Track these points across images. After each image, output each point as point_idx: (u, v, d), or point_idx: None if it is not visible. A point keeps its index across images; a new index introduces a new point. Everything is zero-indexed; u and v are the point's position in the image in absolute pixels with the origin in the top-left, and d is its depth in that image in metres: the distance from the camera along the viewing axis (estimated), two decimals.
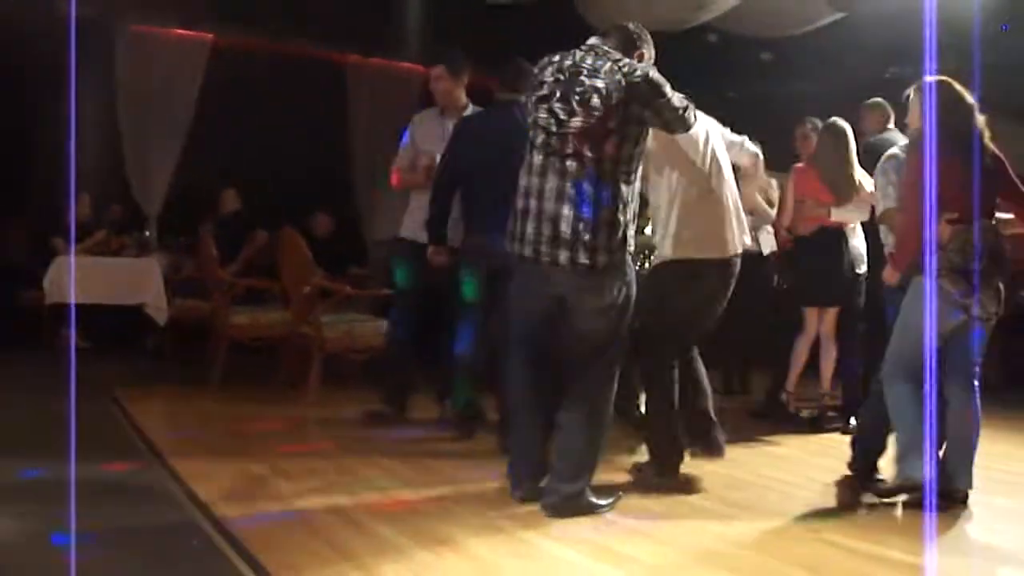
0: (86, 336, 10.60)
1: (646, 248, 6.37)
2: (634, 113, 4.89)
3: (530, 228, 5.03)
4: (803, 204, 7.73)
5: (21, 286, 10.63)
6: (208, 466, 5.77)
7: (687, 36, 10.26)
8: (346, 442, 6.64)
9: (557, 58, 5.03)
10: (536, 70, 5.10)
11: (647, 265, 6.33)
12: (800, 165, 7.92)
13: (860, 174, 7.49)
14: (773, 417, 8.07)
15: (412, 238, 7.36)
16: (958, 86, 5.66)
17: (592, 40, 5.17)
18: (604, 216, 4.91)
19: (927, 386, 5.45)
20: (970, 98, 5.63)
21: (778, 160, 7.99)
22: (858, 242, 7.68)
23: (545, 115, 4.90)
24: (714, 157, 5.76)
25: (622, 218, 4.96)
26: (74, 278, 9.45)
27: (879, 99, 7.82)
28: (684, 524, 5.08)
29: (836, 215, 7.56)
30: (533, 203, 5.03)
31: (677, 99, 5.03)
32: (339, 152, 7.92)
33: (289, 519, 4.91)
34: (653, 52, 5.41)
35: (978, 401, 5.62)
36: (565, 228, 4.91)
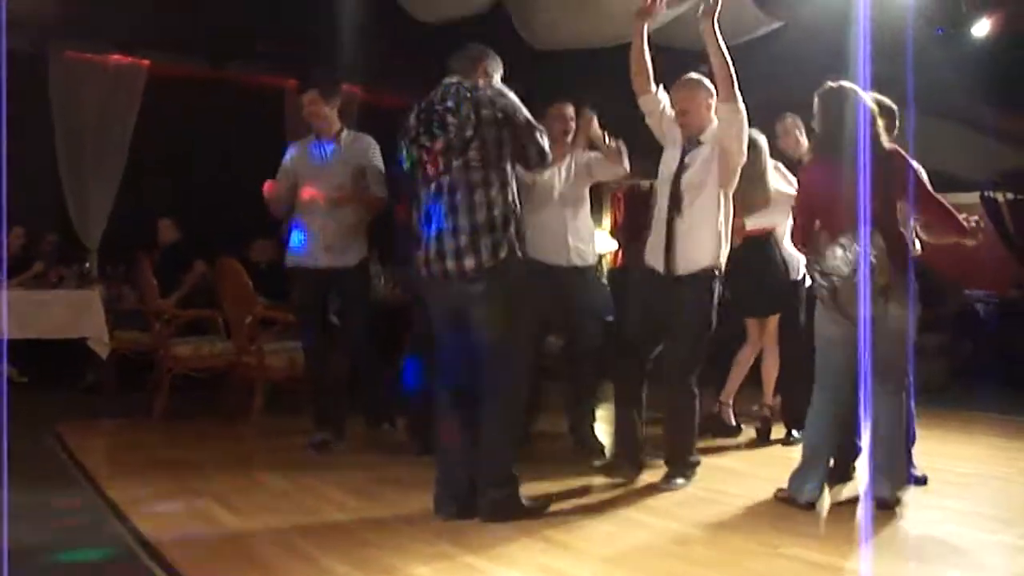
0: (24, 371, 10.42)
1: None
2: (487, 117, 5.24)
3: (424, 251, 5.35)
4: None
5: None
6: (152, 500, 5.73)
7: (624, 51, 10.24)
8: (289, 471, 6.57)
9: (416, 105, 5.47)
10: (406, 120, 5.49)
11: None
12: None
13: (776, 183, 7.49)
14: (714, 432, 8.00)
15: (307, 264, 7.40)
16: (854, 91, 5.71)
17: (445, 79, 5.52)
18: (483, 220, 5.22)
19: (861, 393, 5.53)
20: (867, 102, 5.67)
21: None
22: (790, 250, 7.64)
23: (416, 151, 5.36)
24: None
25: (501, 219, 5.24)
26: (6, 313, 9.26)
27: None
28: (636, 543, 5.05)
29: (751, 223, 7.54)
30: (425, 229, 5.36)
31: (530, 121, 5.41)
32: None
33: (232, 550, 4.87)
34: (498, 67, 5.73)
35: (903, 407, 5.71)
36: (449, 240, 5.23)
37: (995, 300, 12.94)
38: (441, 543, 4.94)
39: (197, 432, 8.07)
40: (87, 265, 11.41)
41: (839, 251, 5.51)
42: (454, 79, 5.45)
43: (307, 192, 7.35)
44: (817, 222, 5.79)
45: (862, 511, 5.63)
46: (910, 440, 6.20)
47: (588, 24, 9.57)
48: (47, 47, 11.67)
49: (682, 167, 6.28)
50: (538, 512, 5.38)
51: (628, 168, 7.18)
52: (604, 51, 10.16)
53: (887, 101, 6.14)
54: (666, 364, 6.33)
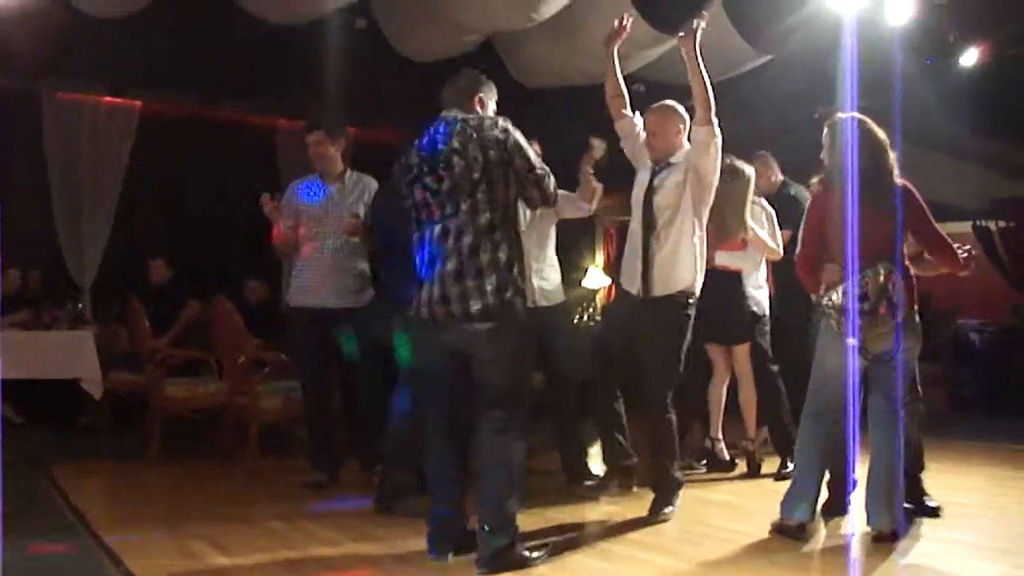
0: (19, 411, 10.40)
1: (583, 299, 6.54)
2: (493, 158, 5.12)
3: (426, 293, 5.21)
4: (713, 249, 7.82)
5: None
6: (145, 542, 5.71)
7: None
8: (285, 513, 6.52)
9: (416, 141, 5.34)
10: (404, 157, 5.38)
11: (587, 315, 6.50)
12: None
13: (751, 221, 7.51)
14: (707, 466, 8.02)
15: (309, 304, 7.38)
16: (865, 122, 5.74)
17: (442, 112, 5.40)
18: (488, 262, 5.10)
19: (849, 423, 5.60)
20: (880, 136, 5.70)
21: None
22: (754, 289, 7.75)
23: (420, 192, 5.23)
24: None
25: (506, 261, 5.14)
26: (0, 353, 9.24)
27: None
28: None
29: (720, 259, 7.53)
30: (427, 271, 5.24)
31: (534, 160, 5.29)
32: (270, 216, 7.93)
33: None
34: (493, 94, 5.63)
35: (899, 438, 5.68)
36: (453, 284, 5.10)
37: (990, 328, 12.94)
38: None
39: (191, 472, 8.05)
40: (80, 306, 11.38)
41: (858, 285, 5.53)
42: (453, 113, 5.35)
43: (310, 232, 7.33)
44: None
45: (859, 544, 5.62)
46: (914, 469, 6.25)
47: (574, 62, 9.62)
48: (40, 88, 11.70)
49: (651, 189, 6.40)
50: (538, 562, 5.24)
51: (592, 208, 7.22)
52: (592, 88, 10.22)
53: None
54: (644, 387, 6.40)
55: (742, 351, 7.83)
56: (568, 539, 5.82)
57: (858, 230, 5.54)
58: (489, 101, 5.55)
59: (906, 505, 5.87)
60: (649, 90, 11.24)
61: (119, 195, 12.21)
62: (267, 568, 5.19)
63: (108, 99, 12.30)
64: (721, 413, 8.07)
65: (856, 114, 5.79)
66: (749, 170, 7.53)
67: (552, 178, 5.37)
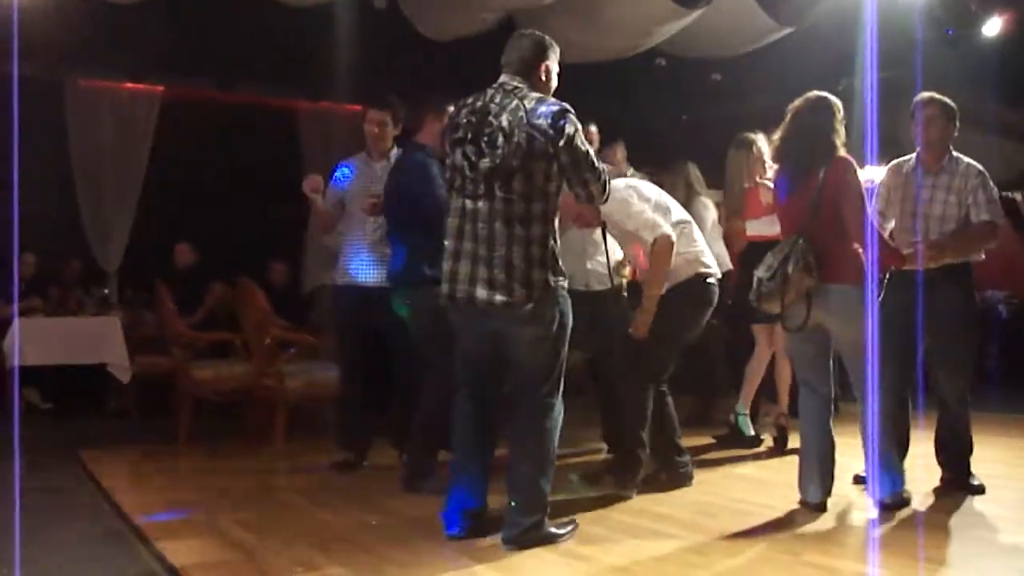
0: (48, 397, 10.47)
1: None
2: (538, 150, 4.94)
3: (461, 269, 5.12)
4: (730, 222, 7.80)
5: None
6: (174, 524, 5.72)
7: (637, 62, 10.26)
8: (311, 492, 6.57)
9: (471, 100, 5.16)
10: (453, 112, 5.26)
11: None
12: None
13: (768, 185, 7.51)
14: (735, 440, 8.01)
15: (350, 282, 7.37)
16: (822, 99, 5.87)
17: (502, 76, 5.23)
18: (525, 252, 4.99)
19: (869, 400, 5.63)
20: (832, 111, 5.82)
21: None
22: None
23: (460, 158, 5.08)
24: None
25: (542, 252, 5.03)
26: (19, 339, 9.30)
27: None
28: (656, 554, 5.02)
29: (751, 229, 7.56)
30: (458, 244, 5.14)
31: (589, 159, 5.12)
32: (294, 198, 7.90)
33: (254, 571, 4.86)
34: (556, 56, 5.39)
35: (878, 411, 5.70)
36: (490, 268, 5.01)
37: (1015, 301, 12.88)
38: (463, 559, 4.92)
39: (219, 455, 8.07)
40: (106, 291, 11.45)
41: (769, 258, 5.74)
42: (515, 82, 5.16)
43: (358, 209, 7.30)
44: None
45: (883, 517, 5.64)
46: (964, 449, 6.38)
47: (595, 38, 9.59)
48: (62, 75, 11.74)
49: None
50: (566, 538, 5.24)
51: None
52: (613, 65, 10.21)
53: (948, 103, 6.21)
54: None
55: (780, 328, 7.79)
56: (592, 514, 5.83)
57: (785, 206, 5.93)
58: (554, 67, 5.35)
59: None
60: (670, 63, 11.28)
61: (143, 180, 12.26)
62: (296, 547, 5.20)
63: (130, 85, 12.35)
64: (754, 389, 8.06)
65: (822, 93, 5.90)
66: (754, 138, 7.59)
67: (605, 176, 5.20)
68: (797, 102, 5.90)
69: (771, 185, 7.54)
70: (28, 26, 8.10)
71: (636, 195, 6.28)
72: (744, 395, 8.04)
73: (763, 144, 7.68)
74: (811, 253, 5.56)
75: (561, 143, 4.95)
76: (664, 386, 6.52)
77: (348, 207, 7.38)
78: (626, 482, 6.29)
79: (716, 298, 6.47)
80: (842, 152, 5.70)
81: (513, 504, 5.14)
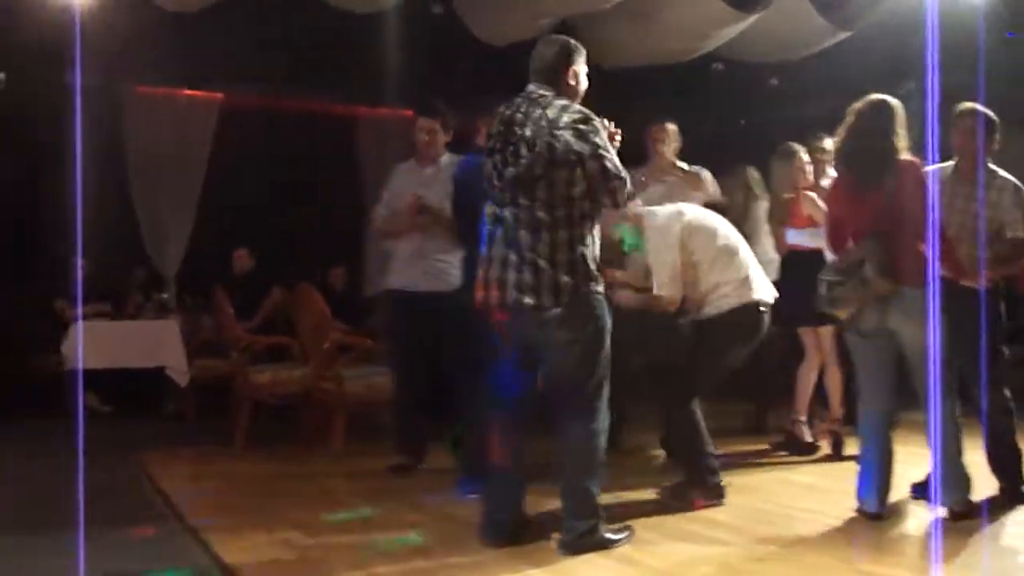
0: (106, 400, 10.57)
1: None
2: (560, 157, 4.98)
3: (492, 275, 5.17)
4: (774, 228, 7.76)
5: (32, 353, 10.53)
6: (232, 527, 5.73)
7: (693, 66, 10.23)
8: (369, 496, 6.58)
9: (502, 109, 5.24)
10: (496, 119, 5.28)
11: None
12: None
13: (811, 197, 7.53)
14: (790, 447, 7.96)
15: (402, 287, 7.40)
16: (884, 102, 5.79)
17: (529, 85, 5.28)
18: (550, 257, 5.01)
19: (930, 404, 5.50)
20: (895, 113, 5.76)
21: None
22: None
23: (490, 168, 5.17)
24: None
25: (569, 256, 5.04)
26: (82, 343, 9.39)
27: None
28: (711, 561, 5.01)
29: (792, 238, 7.53)
30: (490, 251, 5.20)
31: (613, 166, 5.11)
32: (352, 204, 7.94)
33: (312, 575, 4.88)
34: (583, 59, 5.43)
35: (947, 418, 5.62)
36: (519, 272, 5.04)
37: None
38: (520, 564, 4.93)
39: (276, 458, 8.11)
40: (165, 296, 11.54)
41: (838, 262, 5.69)
42: (541, 90, 5.20)
43: (412, 206, 7.31)
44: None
45: (942, 527, 5.57)
46: (1013, 458, 6.26)
47: (653, 42, 9.57)
48: (121, 83, 11.84)
49: None
50: (621, 544, 5.23)
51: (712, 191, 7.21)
52: (669, 68, 10.19)
53: (990, 115, 6.14)
54: None
55: (827, 332, 7.73)
56: (648, 520, 5.82)
57: (856, 209, 5.73)
58: (582, 70, 5.38)
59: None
60: (727, 67, 11.24)
61: (201, 186, 12.35)
62: (354, 551, 5.23)
63: (188, 92, 12.44)
64: (808, 395, 7.99)
65: (874, 96, 5.83)
66: (797, 148, 7.65)
67: (627, 183, 5.18)
68: (858, 104, 5.85)
69: (814, 196, 7.53)
70: (87, 34, 8.19)
71: (678, 246, 6.18)
72: (798, 402, 7.97)
73: (805, 154, 7.68)
74: (886, 256, 5.50)
75: (584, 152, 4.99)
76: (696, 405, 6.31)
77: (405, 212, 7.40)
78: (712, 494, 6.17)
79: (765, 325, 6.35)
80: (907, 155, 5.66)
81: (565, 511, 5.15)
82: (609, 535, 5.20)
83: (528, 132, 5.03)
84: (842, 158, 5.95)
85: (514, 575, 4.80)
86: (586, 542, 5.09)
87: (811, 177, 7.80)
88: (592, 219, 5.17)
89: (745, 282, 6.21)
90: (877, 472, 5.78)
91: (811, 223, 7.51)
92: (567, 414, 5.18)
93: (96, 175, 10.46)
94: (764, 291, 6.31)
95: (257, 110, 12.41)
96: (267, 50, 10.98)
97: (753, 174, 8.61)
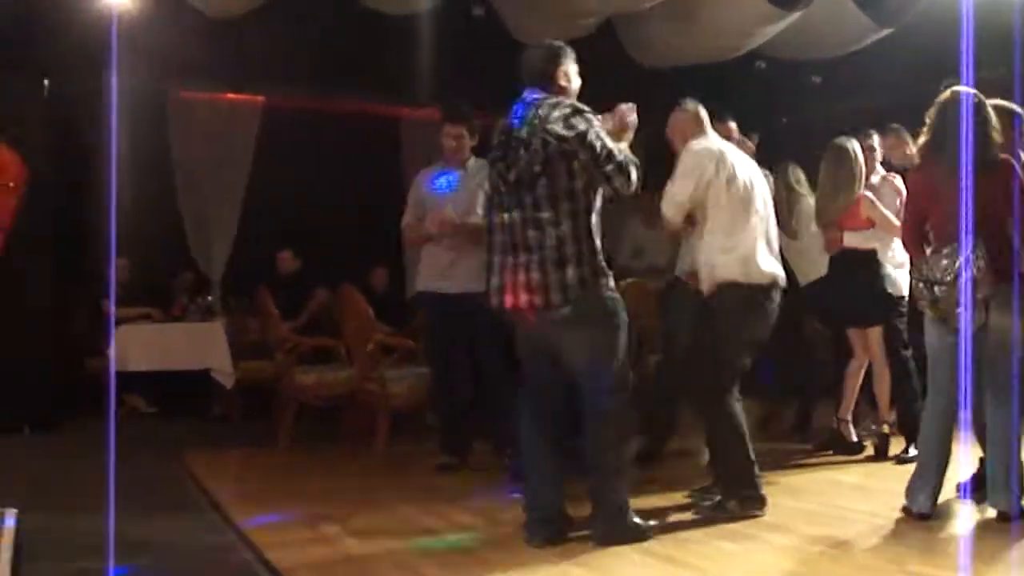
0: (152, 402, 10.65)
1: None
2: (554, 151, 5.06)
3: (499, 279, 5.26)
4: (826, 228, 7.65)
5: (88, 352, 10.61)
6: (278, 527, 5.80)
7: (736, 65, 10.20)
8: (414, 496, 6.61)
9: (504, 120, 5.35)
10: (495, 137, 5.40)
11: None
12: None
13: (880, 207, 7.43)
14: (834, 448, 7.92)
15: (433, 289, 7.47)
16: (969, 96, 5.65)
17: (524, 92, 5.37)
18: (554, 258, 5.07)
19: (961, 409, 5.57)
20: (984, 107, 5.65)
21: None
22: (892, 268, 7.51)
23: (495, 176, 5.29)
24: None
25: (576, 248, 5.09)
26: (117, 344, 9.46)
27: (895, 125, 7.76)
28: (757, 561, 5.02)
29: (848, 239, 7.47)
30: (497, 257, 5.28)
31: (608, 153, 5.14)
32: (395, 205, 7.99)
33: (356, 574, 4.98)
34: (573, 61, 5.50)
35: (1013, 417, 5.56)
36: (522, 274, 5.12)
37: None
38: (565, 564, 4.94)
39: (321, 459, 8.16)
40: (210, 298, 11.60)
41: (943, 261, 5.50)
42: (534, 96, 5.29)
43: (432, 219, 7.41)
44: (927, 228, 5.76)
45: (989, 528, 5.56)
46: None
47: (694, 40, 9.56)
48: (165, 87, 11.91)
49: None
50: (650, 530, 5.31)
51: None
52: (709, 67, 10.16)
53: (1013, 107, 6.06)
54: None
55: (875, 333, 7.69)
56: (695, 519, 5.83)
57: (953, 205, 5.47)
58: (572, 70, 5.47)
59: None
60: (769, 65, 11.20)
61: (245, 189, 12.40)
62: (399, 552, 5.25)
63: (231, 95, 12.49)
64: (855, 395, 7.94)
65: (967, 88, 5.68)
66: (846, 145, 7.47)
67: (632, 167, 5.20)
68: (943, 98, 5.76)
69: (872, 196, 7.48)
70: (130, 38, 8.25)
71: (699, 173, 5.98)
72: (845, 402, 7.92)
73: (860, 150, 7.60)
74: (991, 254, 5.44)
75: (577, 141, 5.07)
76: (733, 406, 6.03)
77: (431, 216, 7.49)
78: (751, 507, 5.93)
79: (769, 302, 6.06)
80: (1003, 153, 5.61)
81: (596, 508, 5.24)
82: (638, 521, 5.31)
83: (524, 134, 5.15)
84: (932, 152, 5.79)
85: (556, 570, 4.82)
86: (618, 532, 5.20)
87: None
88: (595, 211, 5.24)
89: (747, 256, 5.99)
90: (934, 472, 5.76)
91: (868, 224, 7.45)
92: (588, 412, 5.22)
93: (142, 179, 10.63)
94: (767, 266, 6.05)
95: (300, 112, 12.43)
96: (309, 52, 11.02)
97: (795, 172, 8.57)
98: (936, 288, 5.54)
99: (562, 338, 5.18)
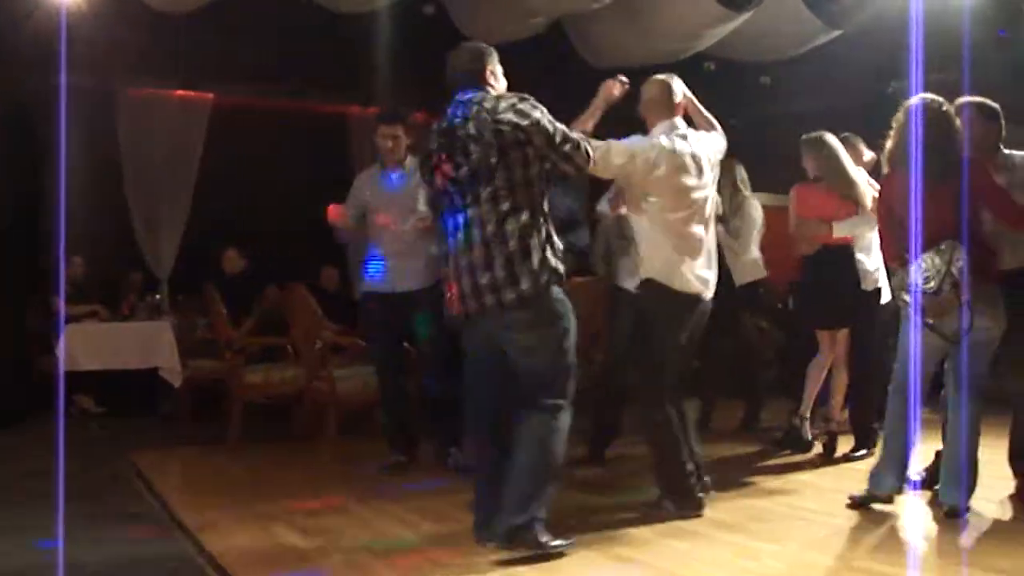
0: (101, 402, 10.57)
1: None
2: (509, 139, 4.99)
3: (456, 285, 5.16)
4: (805, 224, 7.60)
5: (39, 352, 10.52)
6: (227, 526, 5.75)
7: (685, 65, 10.24)
8: (362, 494, 6.59)
9: (435, 126, 5.28)
10: (428, 145, 5.33)
11: None
12: (800, 184, 7.70)
13: (864, 186, 7.39)
14: (790, 446, 7.95)
15: (378, 289, 7.45)
16: (935, 102, 5.73)
17: (455, 94, 5.29)
18: (517, 249, 5.00)
19: (910, 401, 5.67)
20: (947, 113, 5.73)
21: (785, 183, 7.90)
22: (866, 258, 7.48)
23: (440, 179, 5.17)
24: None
25: (537, 245, 5.03)
26: (67, 344, 9.39)
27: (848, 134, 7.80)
28: (707, 559, 5.04)
29: (838, 230, 7.44)
30: (454, 255, 5.17)
31: (562, 132, 5.13)
32: (344, 203, 7.96)
33: (305, 573, 4.92)
34: (496, 59, 5.43)
35: (977, 418, 5.68)
36: (484, 274, 5.02)
37: None
38: (514, 564, 4.92)
39: (270, 458, 8.12)
40: (158, 296, 11.53)
41: (923, 265, 5.52)
42: (469, 95, 5.20)
43: (380, 220, 7.39)
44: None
45: (935, 522, 5.66)
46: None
47: (644, 42, 9.60)
48: (112, 85, 11.83)
49: None
50: (557, 551, 5.04)
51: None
52: (662, 69, 10.20)
53: (987, 104, 6.12)
54: None
55: (843, 335, 7.70)
56: (643, 515, 5.85)
57: (922, 210, 5.52)
58: (498, 70, 5.42)
59: None
60: (718, 66, 11.26)
61: (194, 187, 12.34)
62: (349, 550, 5.25)
63: (180, 93, 12.42)
64: (815, 393, 7.90)
65: (926, 95, 5.75)
66: (828, 138, 7.46)
67: (585, 144, 5.20)
68: (912, 102, 5.78)
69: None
70: (78, 37, 8.20)
71: (647, 153, 5.81)
72: (806, 399, 7.91)
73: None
74: (971, 257, 5.48)
75: (531, 128, 5.01)
76: (670, 409, 5.92)
77: (368, 217, 7.50)
78: (687, 507, 5.92)
79: (688, 313, 5.92)
80: (970, 154, 5.68)
81: (506, 503, 5.04)
82: (545, 538, 5.02)
83: (472, 129, 5.05)
84: (902, 158, 5.78)
85: (509, 572, 4.81)
86: (517, 536, 4.97)
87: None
88: (547, 200, 5.19)
89: (676, 264, 5.85)
90: (899, 454, 5.88)
91: (857, 211, 7.38)
92: (525, 415, 5.10)
93: (92, 177, 10.54)
94: (692, 287, 5.89)
95: (249, 110, 12.38)
96: (258, 49, 10.99)
97: (741, 171, 8.60)
98: (925, 296, 5.56)
99: (511, 338, 5.11)
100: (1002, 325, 5.64)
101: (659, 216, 5.83)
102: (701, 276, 5.90)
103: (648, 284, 5.91)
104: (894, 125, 5.87)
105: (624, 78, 5.87)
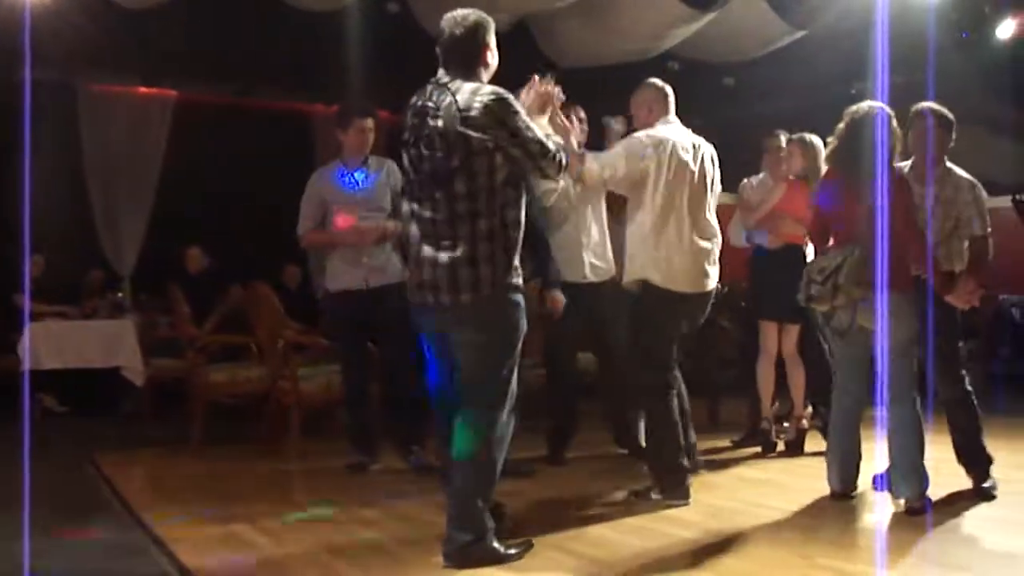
0: (63, 401, 10.50)
1: None
2: (477, 146, 4.79)
3: (415, 275, 5.03)
4: (781, 220, 7.63)
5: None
6: (189, 526, 5.72)
7: (649, 66, 10.26)
8: (326, 494, 6.57)
9: (414, 99, 5.04)
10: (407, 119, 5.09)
11: None
12: (792, 179, 7.78)
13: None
14: (754, 444, 7.99)
15: (343, 287, 7.41)
16: (881, 111, 5.87)
17: (439, 73, 5.05)
18: (466, 255, 4.84)
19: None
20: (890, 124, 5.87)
21: None
22: None
23: (407, 162, 5.02)
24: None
25: (490, 248, 4.86)
26: (32, 343, 9.32)
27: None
28: (665, 557, 5.05)
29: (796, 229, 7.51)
30: (412, 249, 5.04)
31: (535, 139, 4.93)
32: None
33: (269, 574, 4.94)
34: (492, 32, 5.13)
35: (911, 416, 5.78)
36: (440, 271, 4.88)
37: None
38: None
39: (234, 457, 8.08)
40: (120, 295, 11.47)
41: (823, 263, 5.81)
42: (447, 79, 4.95)
43: (342, 219, 7.33)
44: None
45: (891, 520, 5.72)
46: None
47: (608, 41, 9.61)
48: (75, 80, 11.76)
49: None
50: (516, 557, 4.97)
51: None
52: (626, 67, 10.22)
53: (946, 113, 6.18)
54: None
55: (793, 331, 7.77)
56: (599, 514, 5.88)
57: (847, 209, 5.86)
58: (492, 42, 5.11)
59: None
60: (682, 67, 11.29)
61: (156, 185, 12.28)
62: (312, 551, 5.23)
63: (143, 90, 12.36)
64: (771, 391, 7.96)
65: (875, 103, 5.89)
66: (813, 139, 7.57)
67: (557, 151, 5.00)
68: (854, 108, 5.92)
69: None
70: (41, 31, 8.14)
71: (633, 145, 6.04)
72: (765, 400, 7.96)
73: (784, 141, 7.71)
74: (865, 264, 5.61)
75: (500, 134, 4.81)
76: (671, 395, 6.12)
77: (329, 214, 7.44)
78: (676, 495, 6.05)
79: (683, 304, 6.13)
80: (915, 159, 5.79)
81: (449, 519, 4.94)
82: (499, 547, 4.94)
83: (441, 124, 4.82)
84: (836, 161, 6.00)
85: (472, 573, 4.79)
86: (471, 553, 4.86)
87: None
88: (517, 206, 4.99)
89: (670, 262, 6.02)
90: (840, 455, 6.10)
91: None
92: (463, 418, 4.96)
93: (53, 174, 10.46)
94: (683, 285, 6.08)
95: (212, 107, 12.36)
96: (222, 46, 10.94)
97: None
98: (811, 287, 5.82)
99: (460, 338, 4.97)
100: (909, 332, 5.75)
101: (655, 215, 6.00)
102: (699, 273, 6.12)
103: (642, 284, 6.08)
104: (839, 128, 5.98)
105: (548, 76, 5.72)
